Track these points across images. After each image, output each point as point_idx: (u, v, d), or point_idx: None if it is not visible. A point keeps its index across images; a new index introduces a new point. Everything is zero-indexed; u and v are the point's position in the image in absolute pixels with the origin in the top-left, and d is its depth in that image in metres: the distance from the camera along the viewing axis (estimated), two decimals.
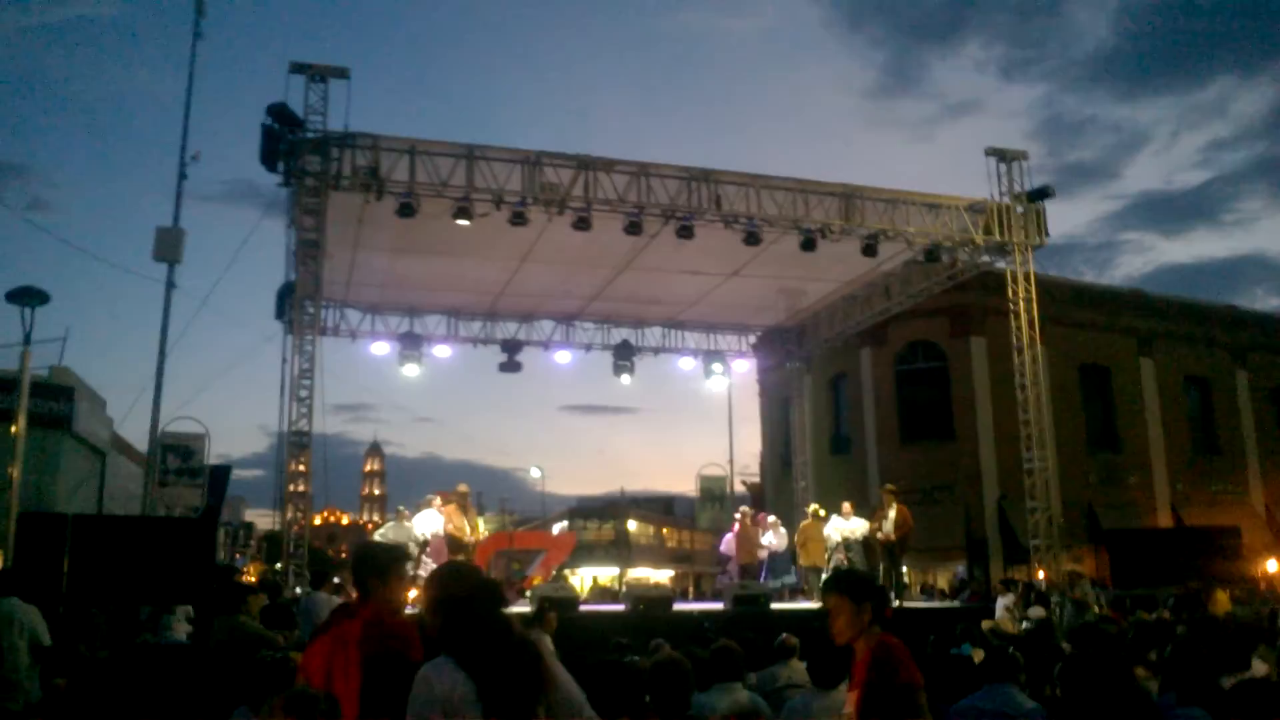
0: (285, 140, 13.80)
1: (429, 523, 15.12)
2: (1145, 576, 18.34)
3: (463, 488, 15.93)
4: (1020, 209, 17.10)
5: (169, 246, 17.90)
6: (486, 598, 3.49)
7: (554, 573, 29.69)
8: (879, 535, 16.32)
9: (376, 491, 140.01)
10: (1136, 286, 32.79)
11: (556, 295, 19.72)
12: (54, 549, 11.42)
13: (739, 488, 37.56)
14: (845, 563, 16.56)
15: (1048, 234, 17.29)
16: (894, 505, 16.24)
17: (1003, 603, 16.55)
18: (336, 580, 14.61)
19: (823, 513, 17.67)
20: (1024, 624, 15.22)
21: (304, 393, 14.21)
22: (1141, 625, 10.63)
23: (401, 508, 16.66)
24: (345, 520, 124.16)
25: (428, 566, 14.45)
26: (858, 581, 3.85)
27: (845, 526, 16.85)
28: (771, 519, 18.49)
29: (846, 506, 17.32)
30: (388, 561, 4.21)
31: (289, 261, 16.14)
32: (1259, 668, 6.33)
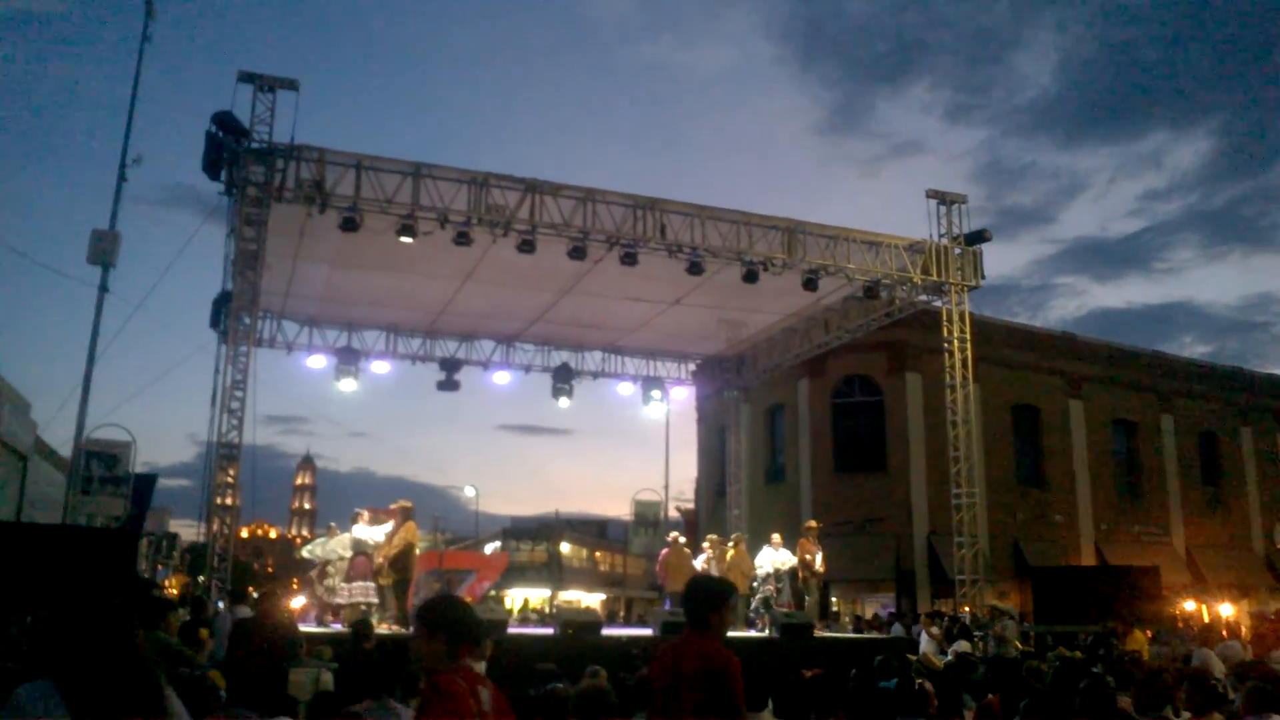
0: (229, 149, 13.65)
1: (369, 534, 14.81)
2: (1067, 613, 18.73)
3: (406, 503, 15.55)
4: (958, 251, 17.49)
5: (104, 250, 17.52)
6: (114, 619, 3.10)
7: (485, 592, 29.46)
8: (815, 568, 16.53)
9: (307, 506, 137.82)
10: (1069, 329, 33.52)
11: (498, 316, 19.67)
12: None
13: (673, 513, 37.66)
14: (775, 592, 16.69)
15: (984, 276, 17.68)
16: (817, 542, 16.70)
17: (927, 635, 16.81)
18: (256, 595, 14.34)
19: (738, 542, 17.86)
20: (949, 657, 15.47)
21: (235, 405, 13.99)
22: (1064, 662, 10.85)
23: (332, 524, 16.43)
24: (273, 534, 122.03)
25: (329, 587, 14.24)
26: (437, 612, 3.65)
27: (776, 557, 16.97)
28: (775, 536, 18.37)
29: (776, 538, 17.46)
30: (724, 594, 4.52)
31: (226, 270, 15.95)
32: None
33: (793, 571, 16.94)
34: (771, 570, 16.92)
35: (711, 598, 4.54)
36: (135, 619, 3.20)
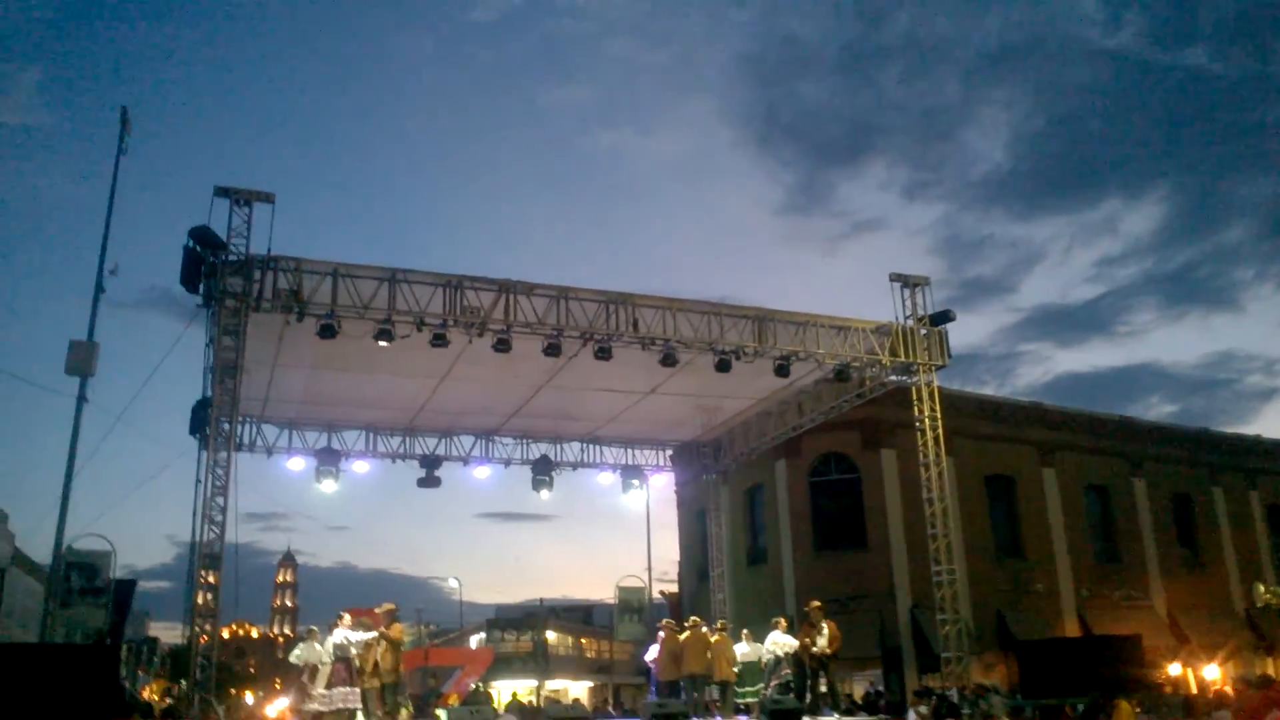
0: (207, 262, 13.93)
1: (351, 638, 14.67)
2: (1053, 686, 18.77)
3: (390, 606, 15.48)
4: (924, 332, 17.93)
5: (82, 360, 17.67)
6: None
7: (472, 687, 29.10)
8: (814, 650, 16.46)
9: (289, 603, 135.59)
10: (1037, 396, 34.13)
11: (476, 411, 19.91)
12: None
13: (657, 597, 37.48)
14: (788, 677, 16.65)
15: (950, 355, 18.11)
16: (824, 620, 16.48)
17: (915, 715, 16.82)
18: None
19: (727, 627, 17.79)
20: None
21: (217, 514, 14.04)
22: None
23: (313, 626, 16.33)
24: (255, 633, 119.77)
25: (320, 694, 14.08)
26: None
27: (784, 641, 16.92)
28: (745, 631, 18.23)
29: (783, 622, 17.44)
30: None
31: (206, 377, 16.10)
32: None
33: (794, 656, 16.86)
34: (782, 654, 16.87)
35: None
36: None
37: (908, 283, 18.08)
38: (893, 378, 18.77)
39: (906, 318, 17.99)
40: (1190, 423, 40.48)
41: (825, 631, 16.32)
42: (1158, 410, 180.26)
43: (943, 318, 17.98)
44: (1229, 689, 19.17)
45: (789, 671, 16.83)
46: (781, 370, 16.91)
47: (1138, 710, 16.75)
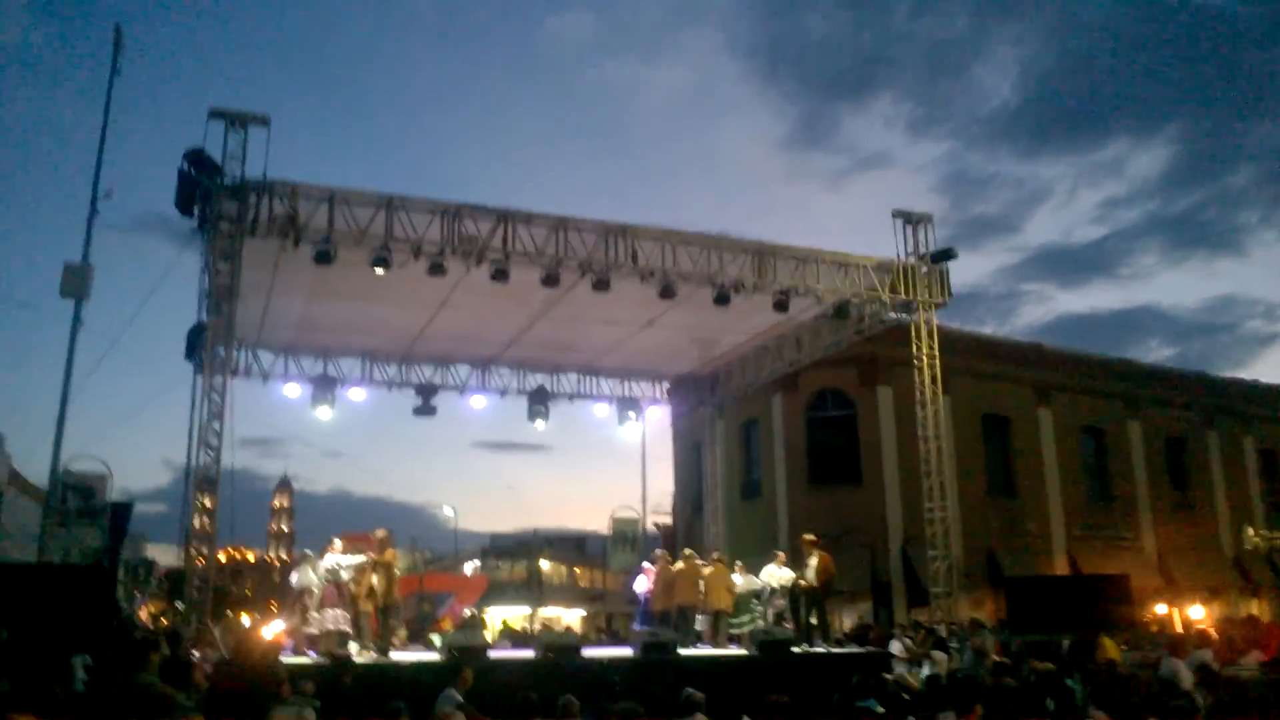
0: (202, 186, 13.75)
1: (342, 562, 14.74)
2: (1041, 623, 19.00)
3: (383, 532, 15.56)
4: (924, 269, 17.79)
5: (77, 283, 17.59)
6: None
7: (466, 613, 29.47)
8: (801, 583, 16.61)
9: (285, 528, 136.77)
10: (1036, 337, 34.04)
11: (473, 341, 19.83)
12: None
13: (651, 529, 37.77)
14: (783, 608, 16.80)
15: (950, 293, 18.01)
16: (815, 554, 16.57)
17: (896, 646, 17.04)
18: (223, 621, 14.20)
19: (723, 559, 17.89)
20: (924, 667, 15.69)
21: (213, 439, 14.04)
22: (1043, 676, 11.09)
23: (308, 551, 16.40)
24: (251, 557, 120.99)
25: (313, 616, 14.18)
26: None
27: (780, 574, 17.04)
28: (738, 563, 18.36)
29: (782, 555, 17.53)
30: None
31: (201, 302, 16.00)
32: None
33: (788, 589, 16.99)
34: (777, 586, 17.01)
35: None
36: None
37: (910, 219, 17.92)
38: (892, 315, 18.68)
39: (908, 255, 17.86)
40: (1188, 366, 40.62)
41: (812, 565, 16.44)
42: (1157, 353, 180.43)
43: (944, 255, 17.86)
44: (1212, 629, 19.43)
45: (784, 603, 16.99)
46: (780, 305, 16.81)
47: (1122, 648, 16.97)
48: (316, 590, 14.39)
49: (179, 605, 19.32)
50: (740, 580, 17.31)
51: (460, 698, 9.45)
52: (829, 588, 16.77)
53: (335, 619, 14.04)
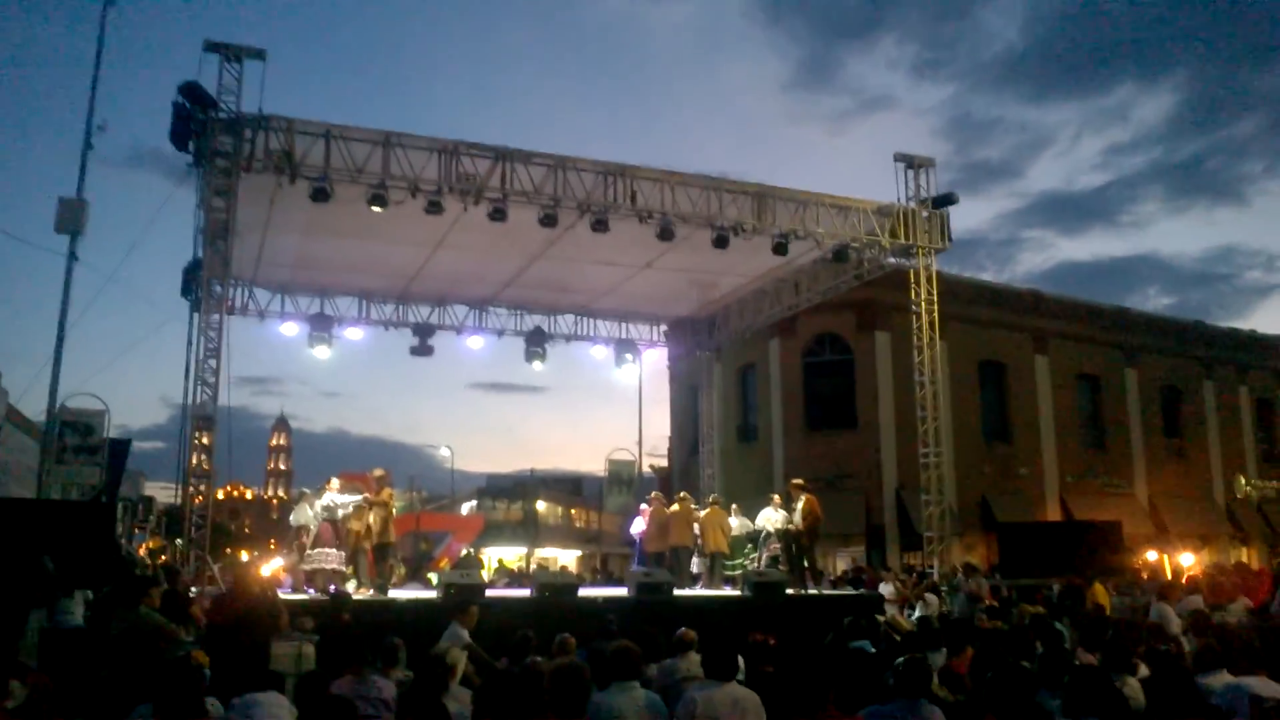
0: (197, 120, 13.57)
1: (339, 500, 14.80)
2: (1032, 568, 19.20)
3: (380, 471, 15.65)
4: (925, 214, 17.68)
5: (72, 218, 17.46)
6: None
7: (463, 553, 29.71)
8: (789, 526, 16.74)
9: (282, 466, 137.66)
10: (1035, 284, 34.02)
11: (470, 280, 19.73)
12: None
13: (646, 471, 38.00)
14: (780, 552, 16.95)
15: (950, 239, 17.91)
16: (801, 497, 16.67)
17: (888, 587, 17.22)
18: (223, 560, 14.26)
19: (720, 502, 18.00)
20: (916, 609, 15.89)
21: (210, 377, 14.03)
22: (1033, 619, 11.19)
23: (306, 489, 16.50)
24: (249, 495, 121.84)
25: (309, 556, 14.26)
26: None
27: (774, 517, 17.12)
28: (734, 506, 18.47)
29: (776, 499, 17.62)
30: None
31: (196, 238, 15.91)
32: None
33: (782, 531, 17.10)
34: (772, 530, 17.13)
35: None
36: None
37: (912, 163, 17.76)
38: (892, 260, 18.60)
39: (909, 199, 17.72)
40: (1187, 315, 40.69)
41: (799, 508, 16.56)
42: (1155, 302, 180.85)
43: (945, 200, 17.73)
44: (1200, 575, 19.63)
45: (779, 546, 17.12)
46: (780, 249, 16.71)
47: (1112, 593, 17.14)
48: (314, 528, 14.48)
49: (178, 542, 19.45)
50: (735, 523, 17.43)
51: (466, 635, 9.50)
52: (815, 531, 16.88)
53: (326, 558, 14.13)
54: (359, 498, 14.57)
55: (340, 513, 14.45)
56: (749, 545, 17.30)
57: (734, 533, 17.33)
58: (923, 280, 18.02)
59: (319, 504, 14.61)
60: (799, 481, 17.27)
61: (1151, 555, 28.15)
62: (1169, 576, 23.01)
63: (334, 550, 14.23)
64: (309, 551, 14.20)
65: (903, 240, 17.53)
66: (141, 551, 28.96)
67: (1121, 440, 33.46)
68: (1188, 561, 27.57)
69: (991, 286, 33.31)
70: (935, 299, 18.06)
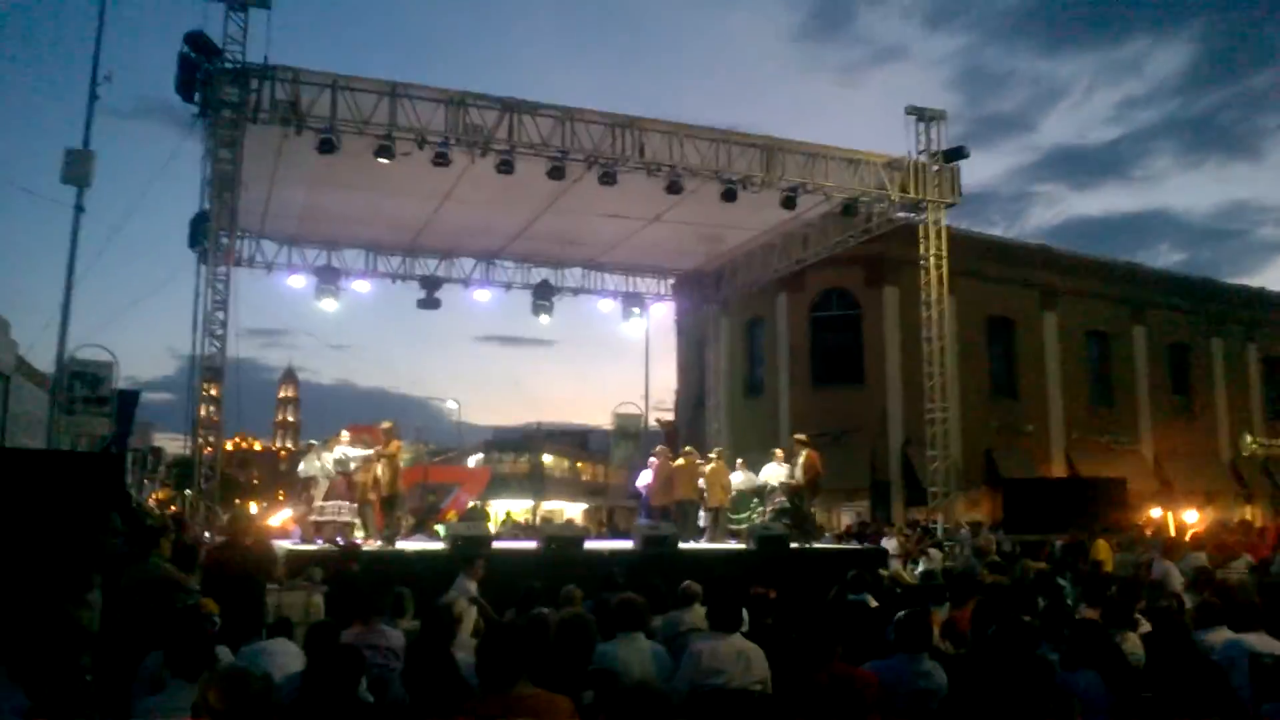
0: (202, 70, 13.50)
1: (351, 453, 14.84)
2: (1036, 523, 19.27)
3: (388, 424, 15.68)
4: (936, 168, 17.55)
5: (79, 169, 17.40)
6: None
7: (470, 504, 29.90)
8: (791, 481, 16.82)
9: (290, 418, 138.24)
10: (1046, 239, 33.79)
11: (477, 233, 19.69)
12: None
13: (653, 425, 38.11)
14: (785, 505, 17.02)
15: (961, 193, 17.81)
16: (803, 452, 16.73)
17: (892, 541, 17.32)
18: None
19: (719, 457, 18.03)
20: (920, 564, 15.99)
21: (218, 329, 14.07)
22: (1037, 575, 11.27)
23: (313, 441, 16.58)
24: (258, 446, 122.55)
25: (318, 507, 14.30)
26: None
27: (778, 472, 17.18)
28: (740, 460, 18.54)
29: (779, 453, 17.66)
30: None
31: (203, 190, 15.87)
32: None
33: (786, 485, 17.17)
34: (776, 484, 17.20)
35: None
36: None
37: (923, 116, 17.62)
38: (901, 214, 18.51)
39: (919, 153, 17.61)
40: (1198, 272, 40.50)
41: (799, 463, 16.63)
42: (1166, 258, 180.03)
43: (956, 154, 17.60)
44: (1202, 532, 19.70)
45: (783, 500, 17.20)
46: (788, 202, 16.64)
47: (1116, 550, 17.21)
48: (322, 480, 14.53)
49: (187, 493, 19.61)
50: (741, 477, 17.49)
51: (474, 589, 9.51)
52: (816, 485, 16.96)
53: (338, 510, 14.20)
54: (370, 451, 14.62)
55: (352, 465, 14.50)
56: (755, 500, 17.36)
57: (739, 487, 17.39)
58: (932, 235, 17.94)
59: (331, 456, 14.66)
60: (801, 436, 17.32)
61: (1156, 512, 28.24)
62: (1173, 533, 23.10)
63: (347, 503, 14.31)
64: (321, 504, 14.23)
65: (912, 194, 17.44)
66: (151, 502, 29.17)
67: (1128, 397, 33.40)
68: (1192, 519, 27.66)
69: (1001, 242, 33.12)
70: (944, 254, 18.00)
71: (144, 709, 4.41)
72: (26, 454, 15.69)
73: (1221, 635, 6.41)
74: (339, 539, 13.49)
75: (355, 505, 14.35)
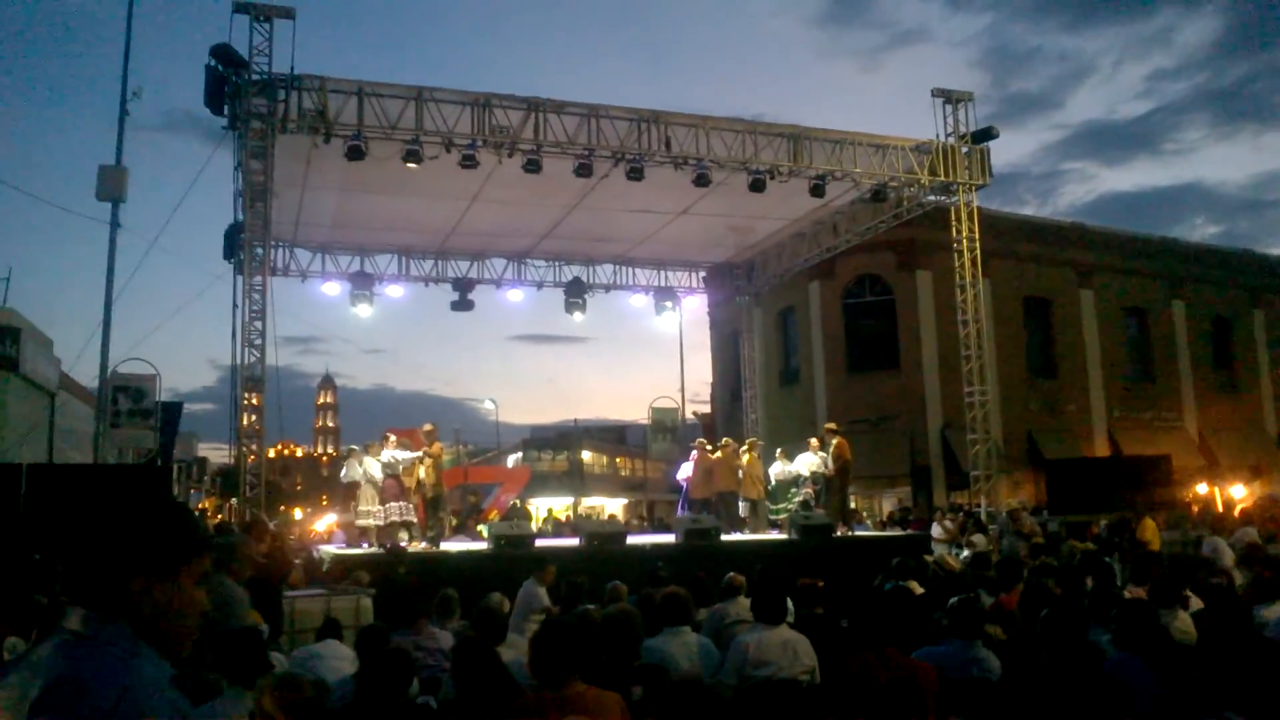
0: (230, 82, 13.62)
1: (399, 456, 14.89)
2: (1080, 504, 19.11)
3: (430, 426, 15.81)
4: (965, 149, 17.39)
5: (112, 186, 17.64)
6: None
7: (511, 504, 30.05)
8: (823, 470, 16.82)
9: (330, 424, 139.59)
10: (1079, 216, 33.45)
11: (507, 233, 19.76)
12: (9, 498, 11.47)
13: (690, 418, 38.12)
14: (813, 495, 17.00)
15: (991, 174, 17.61)
16: (833, 441, 16.74)
17: (938, 528, 17.18)
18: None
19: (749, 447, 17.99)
20: (964, 550, 15.88)
21: (256, 338, 14.23)
22: (1084, 555, 11.17)
23: (354, 446, 16.66)
24: (299, 453, 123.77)
25: (365, 510, 14.35)
26: None
27: (812, 461, 17.15)
28: (779, 450, 18.46)
29: (814, 442, 17.63)
30: None
31: (236, 201, 16.05)
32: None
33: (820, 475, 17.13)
34: (809, 474, 17.17)
35: None
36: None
37: (950, 98, 17.44)
38: (931, 198, 18.37)
39: (947, 135, 17.43)
40: (1235, 244, 39.84)
41: (830, 452, 16.63)
42: (1202, 231, 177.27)
43: (985, 135, 17.40)
44: (1253, 507, 19.44)
45: (810, 490, 17.16)
46: (817, 190, 16.55)
47: (1162, 528, 17.03)
48: (365, 485, 14.62)
49: (233, 501, 19.84)
50: (779, 467, 17.47)
51: (545, 596, 9.26)
52: (846, 473, 16.93)
53: (399, 511, 14.26)
54: (418, 454, 14.74)
55: (401, 468, 14.62)
56: (793, 490, 17.34)
57: (778, 477, 17.37)
58: (963, 217, 17.78)
59: (380, 460, 14.76)
60: (831, 425, 17.35)
61: (1202, 488, 27.90)
62: (1220, 509, 22.83)
63: (404, 504, 14.40)
64: (366, 507, 14.21)
65: (942, 177, 17.28)
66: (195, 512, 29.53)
67: (1170, 373, 32.97)
68: (1239, 494, 27.31)
69: (1034, 221, 32.77)
70: (976, 236, 17.83)
71: (200, 715, 4.47)
72: (77, 469, 15.96)
73: (1276, 610, 6.34)
74: (386, 543, 13.62)
75: (413, 505, 14.46)
